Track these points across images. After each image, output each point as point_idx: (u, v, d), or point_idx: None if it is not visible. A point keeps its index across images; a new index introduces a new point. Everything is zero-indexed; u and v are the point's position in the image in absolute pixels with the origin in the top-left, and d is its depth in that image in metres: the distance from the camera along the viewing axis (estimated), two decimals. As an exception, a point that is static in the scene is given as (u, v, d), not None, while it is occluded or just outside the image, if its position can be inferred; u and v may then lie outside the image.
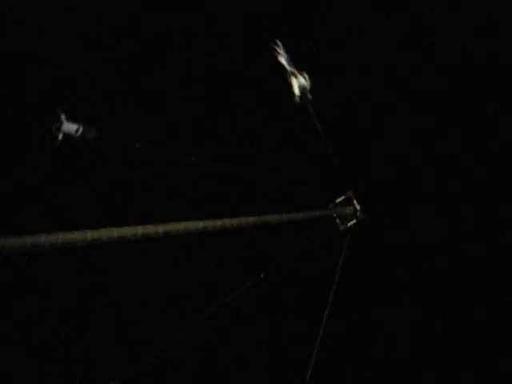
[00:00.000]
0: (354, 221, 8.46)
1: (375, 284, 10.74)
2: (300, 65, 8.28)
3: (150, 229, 5.03)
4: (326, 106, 9.43)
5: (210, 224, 5.80)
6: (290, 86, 8.17)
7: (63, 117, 6.27)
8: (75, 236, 4.26)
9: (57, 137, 6.21)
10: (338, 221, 8.35)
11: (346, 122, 10.79)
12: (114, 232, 4.58)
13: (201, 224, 5.68)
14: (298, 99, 8.14)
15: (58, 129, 6.17)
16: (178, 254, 9.04)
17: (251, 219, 6.46)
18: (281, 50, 8.18)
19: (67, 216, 8.33)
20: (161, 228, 5.18)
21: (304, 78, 8.09)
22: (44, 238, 3.98)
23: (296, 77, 8.10)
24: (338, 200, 8.65)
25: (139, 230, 4.87)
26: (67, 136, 6.12)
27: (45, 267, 8.04)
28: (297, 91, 8.09)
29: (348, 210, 8.51)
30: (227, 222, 6.08)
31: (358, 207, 8.46)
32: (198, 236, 5.70)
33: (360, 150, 11.04)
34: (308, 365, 7.39)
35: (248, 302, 8.94)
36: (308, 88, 8.10)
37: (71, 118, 6.07)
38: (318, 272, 9.86)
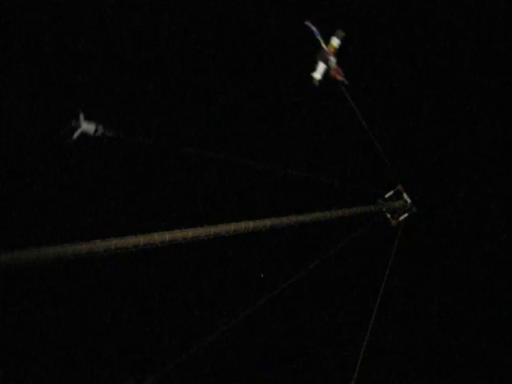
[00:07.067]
0: (406, 214, 8.22)
1: (428, 279, 10.44)
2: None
3: (200, 231, 5.09)
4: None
5: (259, 224, 5.81)
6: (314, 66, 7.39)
7: (82, 116, 6.30)
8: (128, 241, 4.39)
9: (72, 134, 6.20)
10: (388, 216, 8.15)
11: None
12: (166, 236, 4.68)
13: (250, 224, 5.70)
14: (316, 83, 7.41)
15: (76, 128, 6.18)
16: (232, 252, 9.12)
17: (300, 217, 6.42)
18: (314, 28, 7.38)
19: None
20: (209, 230, 5.23)
21: (335, 58, 7.29)
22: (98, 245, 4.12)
23: (326, 58, 7.28)
24: (388, 195, 8.44)
25: (189, 233, 4.95)
26: (85, 135, 6.13)
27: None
28: (318, 75, 7.36)
29: (398, 203, 8.31)
30: (276, 221, 6.07)
31: (408, 200, 8.22)
32: (249, 235, 5.72)
33: (406, 143, 10.78)
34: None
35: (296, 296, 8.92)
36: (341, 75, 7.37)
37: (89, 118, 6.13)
38: (369, 267, 9.68)
